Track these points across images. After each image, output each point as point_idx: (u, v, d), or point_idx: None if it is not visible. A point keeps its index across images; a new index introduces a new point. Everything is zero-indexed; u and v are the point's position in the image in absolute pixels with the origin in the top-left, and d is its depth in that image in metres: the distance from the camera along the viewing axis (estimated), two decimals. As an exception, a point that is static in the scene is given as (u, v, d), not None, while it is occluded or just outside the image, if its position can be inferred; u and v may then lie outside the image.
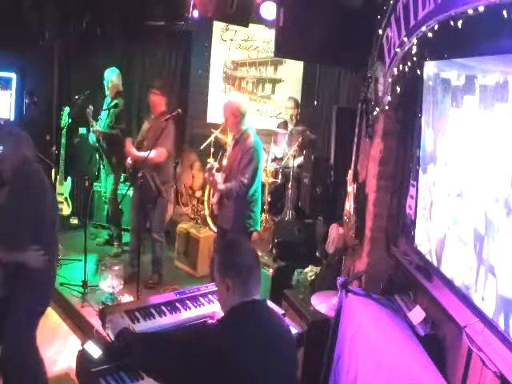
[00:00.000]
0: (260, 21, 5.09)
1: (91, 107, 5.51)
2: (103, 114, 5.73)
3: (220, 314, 2.71)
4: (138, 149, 4.98)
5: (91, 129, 5.53)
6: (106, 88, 5.77)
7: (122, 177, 6.09)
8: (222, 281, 2.03)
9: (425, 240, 3.24)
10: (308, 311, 3.70)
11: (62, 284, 4.86)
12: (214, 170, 4.19)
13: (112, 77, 5.71)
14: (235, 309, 2.00)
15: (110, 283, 4.51)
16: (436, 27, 2.55)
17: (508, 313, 2.28)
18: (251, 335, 1.95)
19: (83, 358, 2.51)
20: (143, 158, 4.71)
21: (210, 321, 2.79)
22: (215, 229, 5.29)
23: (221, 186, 4.21)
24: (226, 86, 7.32)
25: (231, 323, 2.00)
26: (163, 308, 2.93)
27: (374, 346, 2.82)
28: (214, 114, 7.11)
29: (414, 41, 2.84)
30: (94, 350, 2.48)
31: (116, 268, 4.57)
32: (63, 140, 5.79)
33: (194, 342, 1.95)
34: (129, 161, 5.07)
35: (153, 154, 4.69)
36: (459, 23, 2.29)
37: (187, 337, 2.08)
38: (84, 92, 5.55)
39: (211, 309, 2.89)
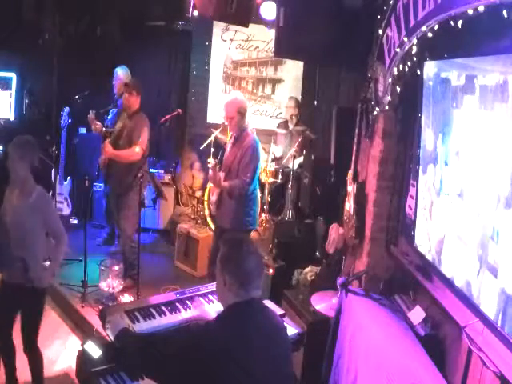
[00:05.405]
0: (260, 21, 5.08)
1: (92, 111, 5.44)
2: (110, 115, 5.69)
3: (208, 316, 2.73)
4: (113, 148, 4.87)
5: (92, 126, 5.33)
6: (114, 85, 5.76)
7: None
8: (221, 273, 2.03)
9: (425, 240, 3.24)
10: (308, 311, 3.70)
11: (61, 284, 4.86)
12: (217, 168, 4.17)
13: (121, 74, 5.71)
14: (231, 307, 2.01)
15: (110, 283, 4.52)
16: (436, 27, 2.55)
17: (509, 313, 2.28)
18: (246, 334, 1.95)
19: (83, 358, 2.50)
20: (122, 156, 4.70)
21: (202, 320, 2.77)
22: (215, 229, 5.27)
23: (225, 184, 4.17)
24: (226, 85, 7.30)
25: (226, 322, 2.00)
26: (163, 308, 2.92)
27: (374, 346, 2.82)
28: (214, 113, 7.10)
29: (414, 41, 2.84)
30: (94, 350, 2.48)
31: (116, 268, 4.57)
32: (63, 140, 5.79)
33: (192, 341, 1.95)
34: (102, 160, 4.98)
35: (130, 151, 4.68)
36: (459, 23, 2.29)
37: (184, 336, 2.08)
38: (84, 92, 5.54)
39: (210, 309, 2.88)
